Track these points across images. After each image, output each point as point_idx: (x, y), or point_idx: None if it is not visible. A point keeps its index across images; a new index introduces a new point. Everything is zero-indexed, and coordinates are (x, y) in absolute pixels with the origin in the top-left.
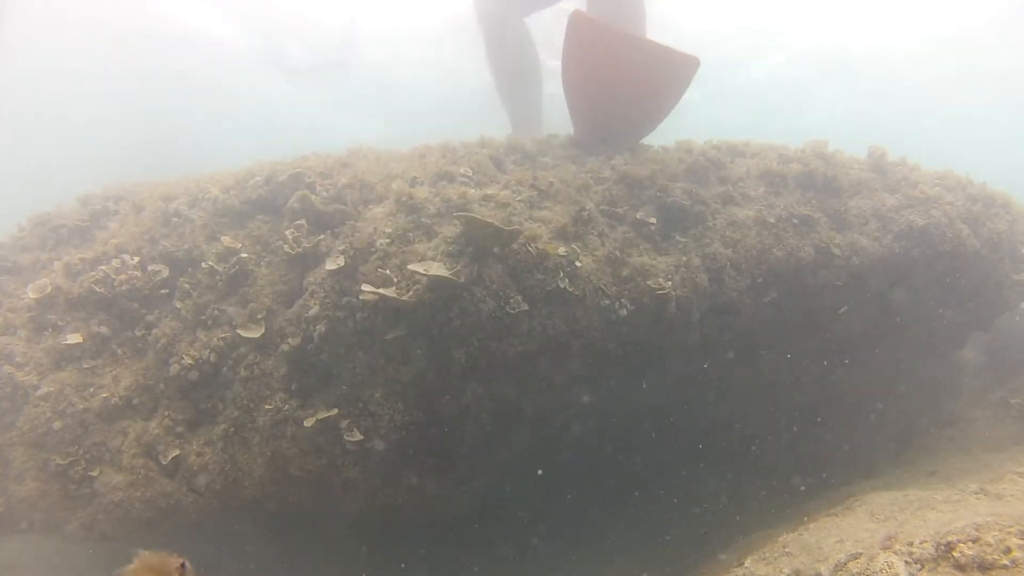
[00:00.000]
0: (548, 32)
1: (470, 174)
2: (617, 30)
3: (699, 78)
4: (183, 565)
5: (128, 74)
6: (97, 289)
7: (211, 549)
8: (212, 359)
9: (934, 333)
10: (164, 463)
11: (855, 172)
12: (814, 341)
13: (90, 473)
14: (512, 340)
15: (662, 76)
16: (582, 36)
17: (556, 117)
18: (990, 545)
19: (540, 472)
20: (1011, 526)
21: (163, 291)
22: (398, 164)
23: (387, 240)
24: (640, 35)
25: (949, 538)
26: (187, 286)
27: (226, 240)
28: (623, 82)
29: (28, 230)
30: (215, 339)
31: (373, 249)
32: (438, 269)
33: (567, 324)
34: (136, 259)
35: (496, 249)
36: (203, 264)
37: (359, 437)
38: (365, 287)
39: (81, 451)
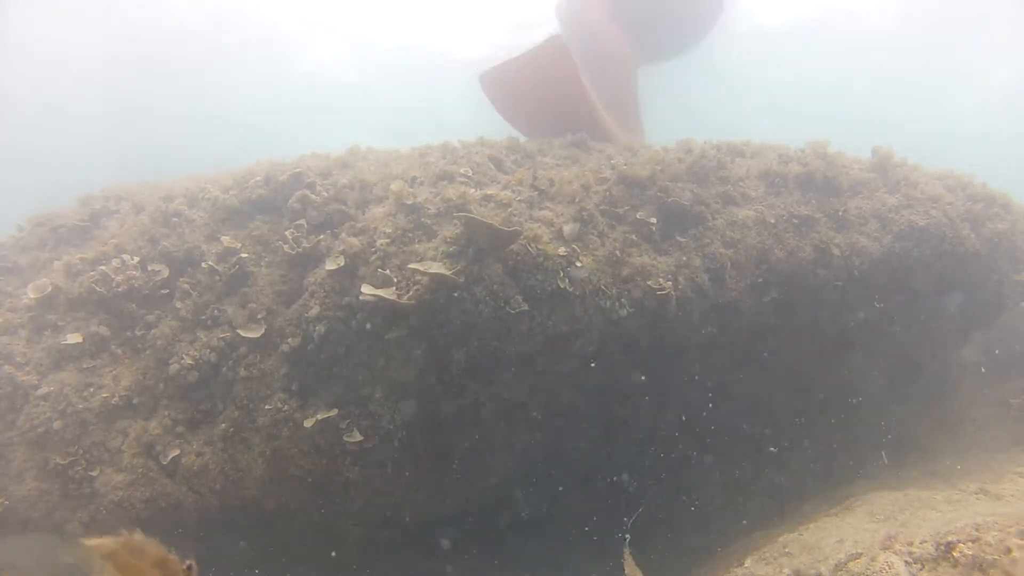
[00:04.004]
0: None
1: (470, 174)
2: (499, 67)
3: None
4: (189, 567)
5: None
6: (97, 289)
7: (211, 549)
8: (212, 359)
9: (934, 333)
10: (164, 463)
11: (855, 172)
12: (814, 341)
13: (90, 473)
14: (512, 340)
15: (552, 70)
16: (491, 89)
17: None
18: (990, 545)
19: (539, 472)
20: (1011, 526)
21: (163, 291)
22: (398, 164)
23: (387, 240)
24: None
25: (949, 538)
26: (187, 286)
27: (226, 240)
28: (540, 95)
29: (28, 230)
30: (215, 339)
31: (373, 249)
32: (438, 268)
33: (567, 324)
34: (136, 259)
35: (496, 250)
36: (203, 264)
37: (359, 438)
38: (365, 288)
39: (81, 451)
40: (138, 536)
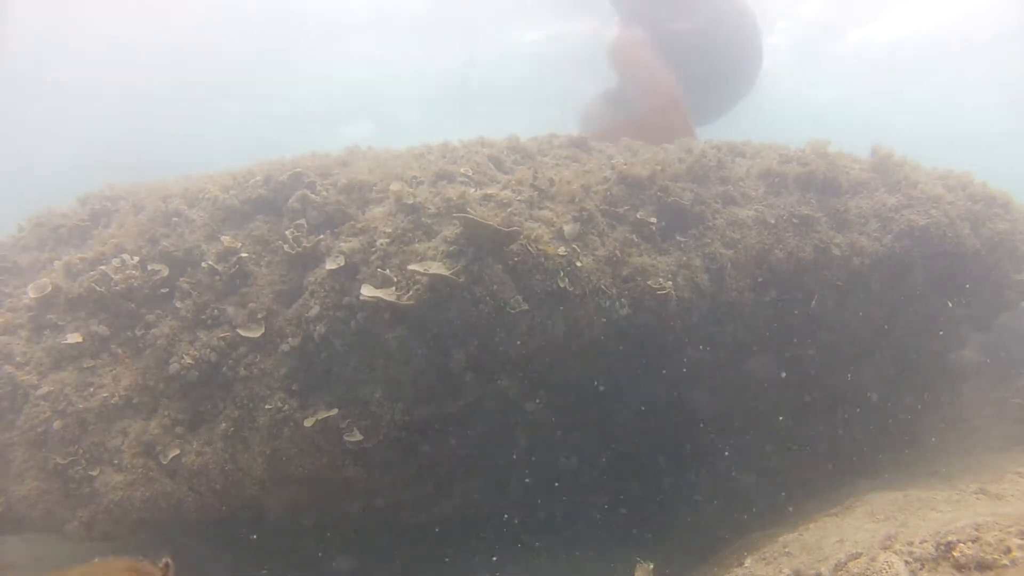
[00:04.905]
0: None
1: (470, 174)
2: (610, 130)
3: None
4: (166, 564)
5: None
6: (97, 289)
7: (210, 549)
8: (212, 359)
9: (934, 333)
10: (164, 463)
11: (855, 172)
12: (814, 341)
13: (90, 472)
14: (512, 340)
15: (665, 123)
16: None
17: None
18: (990, 545)
19: (540, 472)
20: (1011, 526)
21: (163, 291)
22: (397, 163)
23: (387, 240)
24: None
25: (949, 538)
26: (187, 286)
27: (226, 240)
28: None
29: (28, 230)
30: (215, 339)
31: (373, 249)
32: (438, 269)
33: (567, 324)
34: (136, 259)
35: (496, 250)
36: (203, 264)
37: (359, 437)
38: (365, 290)
39: (81, 450)
40: (99, 560)
